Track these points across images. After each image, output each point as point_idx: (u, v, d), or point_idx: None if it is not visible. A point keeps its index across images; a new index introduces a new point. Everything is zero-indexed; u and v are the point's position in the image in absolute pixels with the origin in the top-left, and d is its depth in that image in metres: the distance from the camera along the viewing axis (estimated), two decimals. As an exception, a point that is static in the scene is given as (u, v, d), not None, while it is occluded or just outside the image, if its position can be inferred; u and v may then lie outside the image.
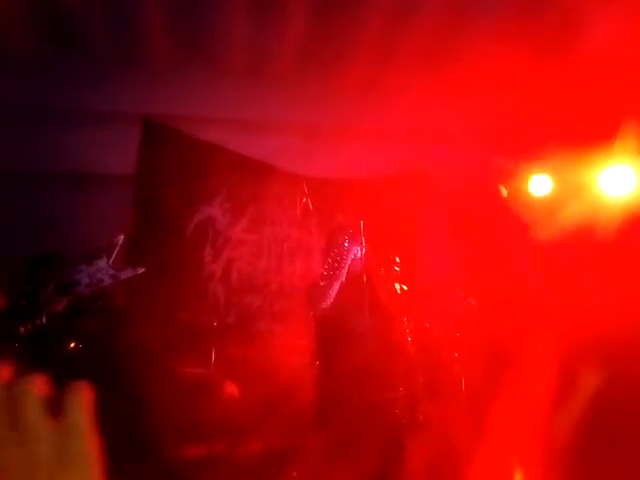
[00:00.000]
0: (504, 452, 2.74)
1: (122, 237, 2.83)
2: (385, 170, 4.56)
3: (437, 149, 4.48)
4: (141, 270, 2.73)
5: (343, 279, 2.69)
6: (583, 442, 2.65)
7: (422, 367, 2.98)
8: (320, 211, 4.41)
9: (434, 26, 3.96)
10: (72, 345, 2.89)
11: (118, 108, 4.06)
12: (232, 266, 4.18)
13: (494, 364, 3.17)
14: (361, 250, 2.72)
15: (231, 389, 3.63)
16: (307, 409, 2.71)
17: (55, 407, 0.55)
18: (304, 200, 4.45)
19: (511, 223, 4.21)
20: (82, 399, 0.55)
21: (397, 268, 3.23)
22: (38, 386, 0.54)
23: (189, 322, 3.64)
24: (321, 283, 2.67)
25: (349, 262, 2.71)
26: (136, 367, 2.75)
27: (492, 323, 3.61)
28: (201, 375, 3.50)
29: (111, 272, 2.69)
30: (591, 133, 3.98)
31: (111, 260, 2.73)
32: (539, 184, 4.31)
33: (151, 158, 4.01)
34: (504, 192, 4.35)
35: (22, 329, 2.62)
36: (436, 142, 4.50)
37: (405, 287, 3.20)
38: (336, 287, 2.66)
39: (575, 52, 4.18)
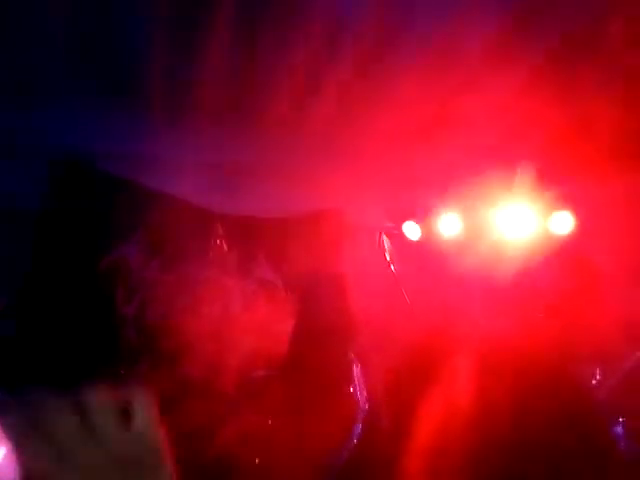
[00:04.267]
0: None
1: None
2: (300, 208, 4.60)
3: (351, 187, 4.61)
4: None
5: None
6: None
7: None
8: (237, 249, 4.34)
9: (354, 73, 4.11)
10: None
11: (24, 142, 3.79)
12: (146, 309, 3.97)
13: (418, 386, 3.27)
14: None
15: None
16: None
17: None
18: (219, 239, 4.36)
19: (422, 261, 4.40)
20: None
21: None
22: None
23: (100, 371, 3.38)
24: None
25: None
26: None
27: (412, 360, 3.71)
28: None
29: None
30: (496, 172, 4.29)
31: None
32: (448, 223, 4.54)
33: (59, 194, 3.77)
34: (415, 231, 4.54)
35: None
36: (350, 181, 4.62)
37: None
38: None
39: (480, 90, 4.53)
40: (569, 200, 4.10)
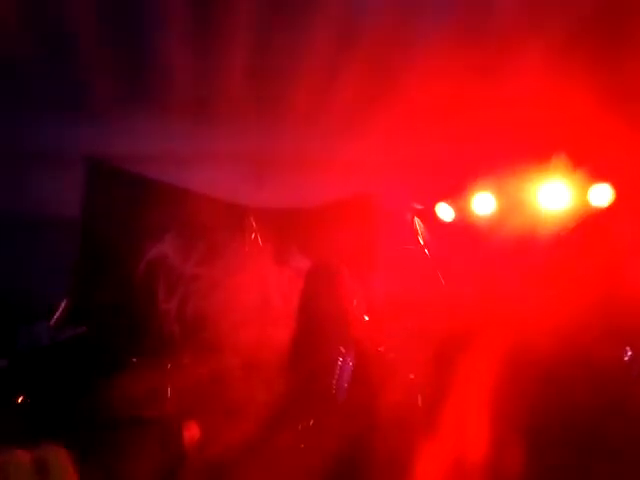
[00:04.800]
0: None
1: (65, 302, 2.87)
2: (331, 197, 4.63)
3: (383, 174, 4.59)
4: (81, 330, 2.78)
5: None
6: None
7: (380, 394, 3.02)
8: (271, 241, 4.42)
9: (375, 56, 4.07)
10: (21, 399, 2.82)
11: (59, 150, 3.99)
12: (187, 303, 4.13)
13: (441, 384, 3.28)
14: None
15: (192, 429, 3.57)
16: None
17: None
18: (253, 231, 4.45)
19: (456, 242, 4.34)
20: (62, 464, 0.69)
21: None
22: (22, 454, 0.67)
23: (146, 366, 3.57)
24: None
25: None
26: (97, 415, 2.72)
27: (440, 338, 3.71)
28: (160, 418, 3.44)
29: (50, 334, 2.76)
30: (529, 151, 4.17)
31: (52, 322, 2.75)
32: (483, 202, 4.45)
33: (97, 197, 3.96)
34: (450, 212, 4.48)
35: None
36: (382, 168, 4.60)
37: (365, 316, 3.27)
38: None
39: (506, 70, 4.38)
40: (608, 172, 3.93)
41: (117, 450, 2.80)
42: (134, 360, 3.60)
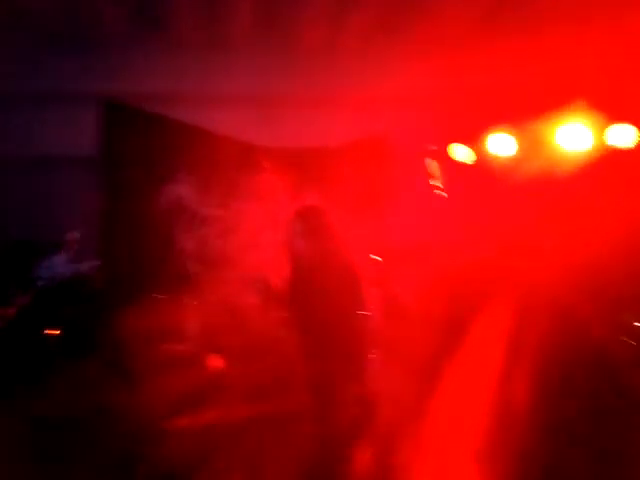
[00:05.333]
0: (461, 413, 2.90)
1: (77, 234, 2.93)
2: (345, 136, 4.59)
3: (399, 113, 4.53)
4: (97, 263, 2.85)
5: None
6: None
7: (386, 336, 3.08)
8: (285, 180, 4.42)
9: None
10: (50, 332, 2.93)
11: (74, 88, 3.97)
12: (205, 242, 4.18)
13: (455, 326, 3.32)
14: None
15: (215, 361, 3.70)
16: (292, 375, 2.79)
17: None
18: (267, 172, 4.45)
19: (475, 184, 4.31)
20: None
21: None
22: None
23: (169, 302, 3.67)
24: None
25: None
26: (120, 347, 2.81)
27: (455, 286, 3.74)
28: (184, 351, 3.56)
29: (70, 265, 2.83)
30: (548, 92, 4.08)
31: (68, 254, 2.81)
32: (501, 143, 4.39)
33: (115, 138, 3.96)
34: (466, 153, 4.43)
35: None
36: (398, 106, 4.53)
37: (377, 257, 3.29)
38: None
39: (534, 13, 4.24)
40: (626, 113, 3.85)
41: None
42: (154, 296, 3.70)
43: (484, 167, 4.32)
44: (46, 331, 2.92)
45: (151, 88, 4.13)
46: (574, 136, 4.09)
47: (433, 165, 4.40)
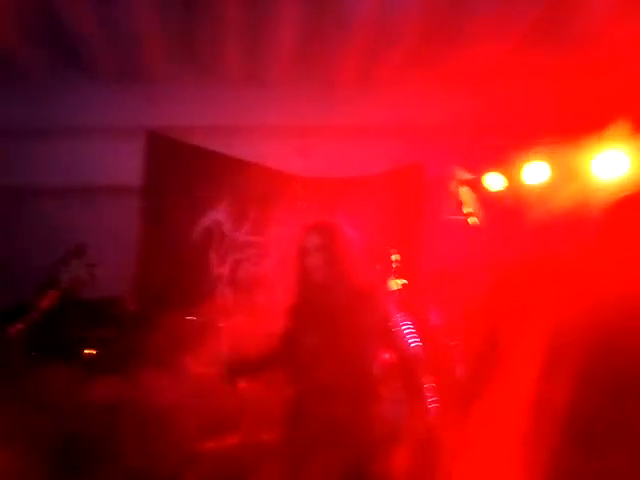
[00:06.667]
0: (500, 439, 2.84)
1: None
2: (380, 166, 4.65)
3: (432, 142, 4.57)
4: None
5: None
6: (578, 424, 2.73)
7: (422, 362, 3.06)
8: (318, 209, 4.51)
9: (423, 20, 4.03)
10: (87, 351, 3.07)
11: (120, 122, 4.22)
12: (239, 268, 4.31)
13: (491, 350, 3.27)
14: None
15: (244, 385, 3.74)
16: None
17: None
18: (300, 200, 4.55)
19: (507, 211, 4.28)
20: None
21: (396, 263, 3.33)
22: None
23: (198, 325, 3.77)
24: None
25: None
26: (146, 369, 2.91)
27: (490, 311, 3.69)
28: (210, 374, 3.63)
29: (86, 269, 2.96)
30: (585, 119, 4.03)
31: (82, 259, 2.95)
32: (535, 171, 4.36)
33: (157, 169, 4.17)
34: (500, 181, 4.41)
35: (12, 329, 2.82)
36: (431, 135, 4.58)
37: (405, 281, 3.30)
38: None
39: (567, 37, 4.23)
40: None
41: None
42: (189, 319, 3.81)
43: (519, 196, 4.29)
44: (84, 350, 3.07)
45: (193, 121, 4.34)
46: (612, 164, 4.01)
47: (468, 194, 4.40)
